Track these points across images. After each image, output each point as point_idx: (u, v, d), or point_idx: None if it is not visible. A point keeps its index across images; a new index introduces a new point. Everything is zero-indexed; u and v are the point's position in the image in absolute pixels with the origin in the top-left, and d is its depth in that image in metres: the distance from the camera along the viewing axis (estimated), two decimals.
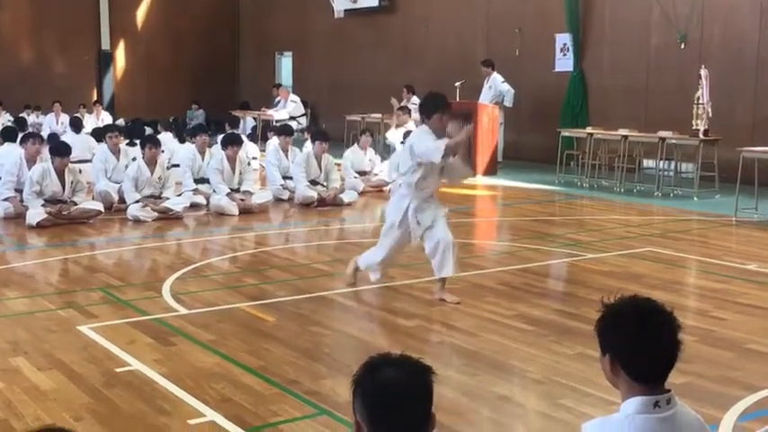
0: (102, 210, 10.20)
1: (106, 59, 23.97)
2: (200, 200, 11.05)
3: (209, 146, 11.95)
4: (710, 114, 11.80)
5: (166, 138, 14.00)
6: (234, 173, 10.99)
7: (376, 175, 12.95)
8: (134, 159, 11.03)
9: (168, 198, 10.48)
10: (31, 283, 7.22)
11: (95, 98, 23.24)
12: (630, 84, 14.86)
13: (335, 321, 6.18)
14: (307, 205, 11.27)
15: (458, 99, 15.26)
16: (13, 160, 10.44)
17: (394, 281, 7.06)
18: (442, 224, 6.56)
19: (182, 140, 13.55)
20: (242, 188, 10.97)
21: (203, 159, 11.49)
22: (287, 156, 12.06)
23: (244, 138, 12.76)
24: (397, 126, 14.51)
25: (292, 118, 18.69)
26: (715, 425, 4.16)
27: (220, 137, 12.29)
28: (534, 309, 6.32)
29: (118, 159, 11.40)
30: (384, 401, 1.95)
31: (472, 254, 8.76)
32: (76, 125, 15.06)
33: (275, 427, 4.20)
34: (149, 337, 5.60)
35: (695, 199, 11.83)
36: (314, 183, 11.54)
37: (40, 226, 9.53)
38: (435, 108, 6.43)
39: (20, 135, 12.02)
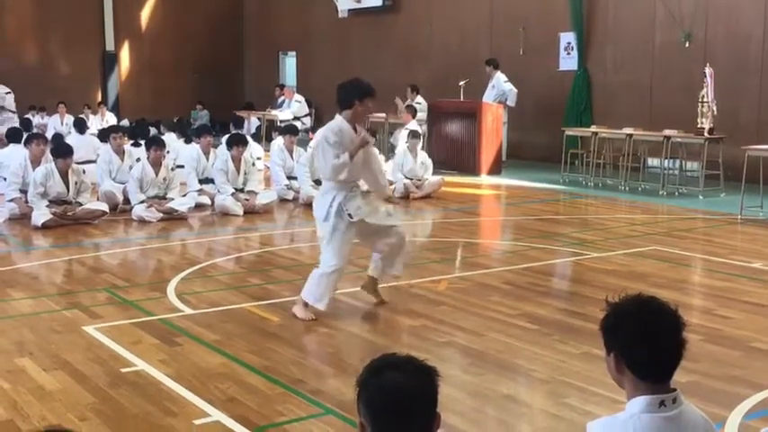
0: (107, 210, 10.22)
1: (110, 60, 24.01)
2: (205, 200, 11.08)
3: (214, 146, 11.96)
4: (715, 113, 11.77)
5: (170, 138, 13.99)
6: (238, 173, 11.00)
7: None
8: (138, 160, 11.06)
9: (173, 198, 10.51)
10: (36, 284, 7.23)
11: (100, 99, 23.28)
12: (635, 82, 14.84)
13: (340, 321, 6.17)
14: (311, 205, 11.25)
15: (462, 98, 15.30)
16: (17, 161, 10.48)
17: (398, 281, 7.05)
18: (395, 222, 6.53)
19: (188, 141, 13.56)
20: (246, 188, 10.98)
21: (208, 160, 11.52)
22: (291, 156, 12.07)
23: (248, 138, 12.76)
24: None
25: (296, 118, 18.70)
26: (720, 423, 4.15)
27: (225, 137, 12.30)
28: (539, 308, 6.32)
29: (122, 160, 11.44)
30: (388, 404, 1.96)
31: (477, 253, 8.76)
32: (81, 126, 15.04)
33: (281, 427, 4.20)
34: (154, 338, 5.60)
35: (700, 197, 11.80)
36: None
37: (45, 227, 9.55)
38: (353, 96, 5.96)
39: (24, 136, 12.04)
